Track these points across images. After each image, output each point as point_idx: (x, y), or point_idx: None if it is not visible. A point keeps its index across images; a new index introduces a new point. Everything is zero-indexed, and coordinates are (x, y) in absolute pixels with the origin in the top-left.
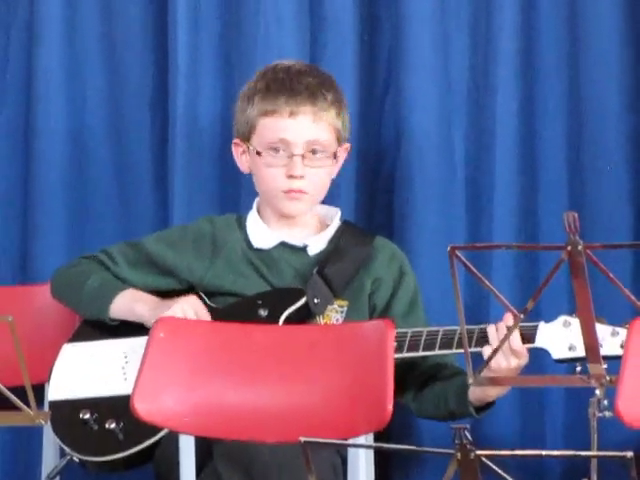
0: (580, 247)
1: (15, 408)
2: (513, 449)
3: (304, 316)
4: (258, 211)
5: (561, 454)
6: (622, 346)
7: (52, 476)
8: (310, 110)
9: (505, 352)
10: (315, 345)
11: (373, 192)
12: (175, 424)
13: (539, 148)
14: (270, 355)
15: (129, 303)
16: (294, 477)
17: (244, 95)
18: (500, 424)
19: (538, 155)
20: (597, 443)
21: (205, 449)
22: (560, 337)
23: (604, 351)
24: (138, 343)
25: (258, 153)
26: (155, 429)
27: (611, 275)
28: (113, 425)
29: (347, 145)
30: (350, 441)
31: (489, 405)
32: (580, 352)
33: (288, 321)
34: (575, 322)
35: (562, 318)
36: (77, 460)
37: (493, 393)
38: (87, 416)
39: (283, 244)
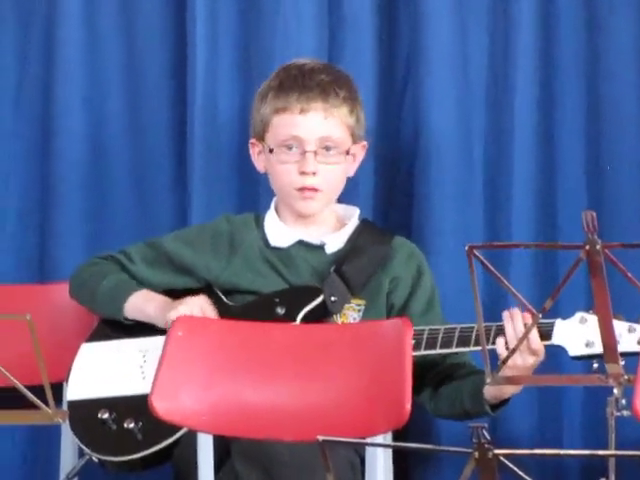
0: (598, 246)
1: (33, 407)
2: (531, 448)
3: (321, 314)
4: (276, 210)
5: (579, 453)
6: (639, 342)
7: (71, 476)
8: (321, 107)
9: (522, 350)
10: (333, 344)
11: (391, 191)
12: (193, 423)
13: (557, 147)
14: (288, 354)
15: (141, 303)
16: (313, 478)
17: (259, 94)
18: (517, 423)
19: (556, 154)
20: (615, 442)
21: (223, 448)
22: (577, 334)
23: (621, 348)
24: (156, 342)
25: (271, 151)
26: (173, 428)
27: (629, 274)
28: (132, 425)
29: (364, 143)
30: (368, 440)
31: (504, 402)
32: (597, 349)
33: (305, 319)
34: (592, 318)
35: (579, 315)
36: (96, 460)
37: (509, 390)
38: (106, 416)
39: (300, 242)
